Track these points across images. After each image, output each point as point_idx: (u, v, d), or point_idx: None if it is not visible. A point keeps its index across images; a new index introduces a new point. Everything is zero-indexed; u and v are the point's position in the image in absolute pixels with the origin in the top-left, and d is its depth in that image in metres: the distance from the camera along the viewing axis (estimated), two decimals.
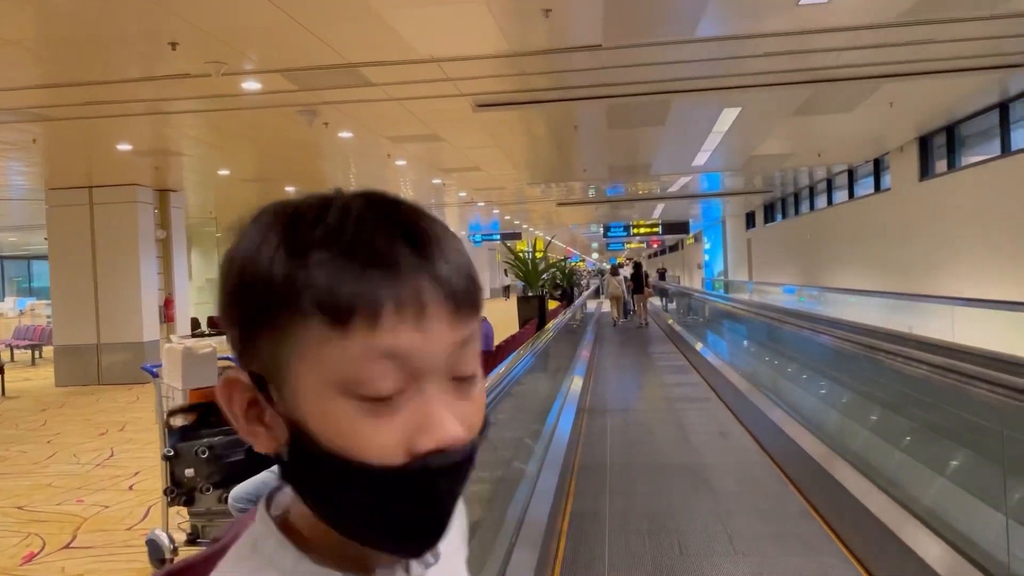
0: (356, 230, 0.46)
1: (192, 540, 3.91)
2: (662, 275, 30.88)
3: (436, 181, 13.47)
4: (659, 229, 25.87)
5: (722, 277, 27.31)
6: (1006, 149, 9.12)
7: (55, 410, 9.99)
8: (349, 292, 0.45)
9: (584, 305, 18.70)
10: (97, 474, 6.45)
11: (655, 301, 23.63)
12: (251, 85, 6.61)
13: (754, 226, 23.42)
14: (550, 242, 19.90)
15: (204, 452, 3.76)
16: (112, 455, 7.12)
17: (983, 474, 3.96)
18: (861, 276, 13.59)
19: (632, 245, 37.58)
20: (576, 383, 8.79)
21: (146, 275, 12.28)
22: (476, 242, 26.97)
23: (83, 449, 7.43)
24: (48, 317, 15.77)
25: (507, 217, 23.21)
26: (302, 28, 5.27)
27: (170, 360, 3.89)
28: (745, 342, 11.22)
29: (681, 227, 26.45)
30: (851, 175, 14.62)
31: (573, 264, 28.41)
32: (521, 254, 14.16)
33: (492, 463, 4.11)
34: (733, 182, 17.02)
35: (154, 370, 4.02)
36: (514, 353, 5.74)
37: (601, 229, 27.28)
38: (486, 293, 17.03)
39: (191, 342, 3.94)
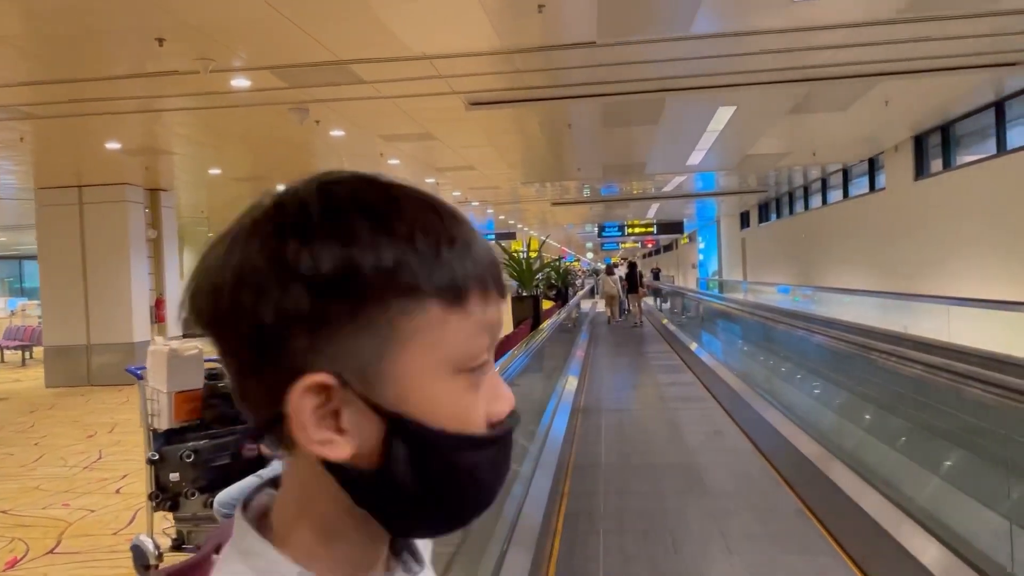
0: (436, 214, 0.48)
1: (177, 546, 3.83)
2: (656, 275, 30.86)
3: (430, 180, 13.39)
4: (654, 229, 25.90)
5: (716, 277, 27.31)
6: (1002, 148, 9.09)
7: (44, 412, 9.88)
8: (463, 273, 0.47)
9: (579, 305, 18.66)
10: (84, 477, 6.36)
11: (649, 301, 23.63)
12: (240, 82, 6.52)
13: (748, 226, 23.41)
14: (544, 242, 19.82)
15: (189, 456, 3.68)
16: (100, 457, 7.03)
17: (979, 474, 3.95)
18: (856, 276, 13.57)
19: (627, 245, 37.53)
20: (571, 383, 8.76)
21: (137, 275, 12.18)
22: None
23: (71, 451, 7.33)
24: (39, 318, 15.63)
25: (502, 217, 23.14)
26: (291, 24, 5.19)
27: (155, 362, 3.81)
28: (739, 342, 11.22)
29: (676, 227, 26.47)
30: (846, 175, 14.60)
31: (568, 264, 28.36)
32: (515, 254, 14.10)
33: None
34: (727, 182, 16.99)
35: (138, 372, 3.93)
36: (508, 353, 5.70)
37: (596, 229, 27.26)
38: None
39: (177, 343, 3.86)
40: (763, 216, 21.66)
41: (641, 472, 5.74)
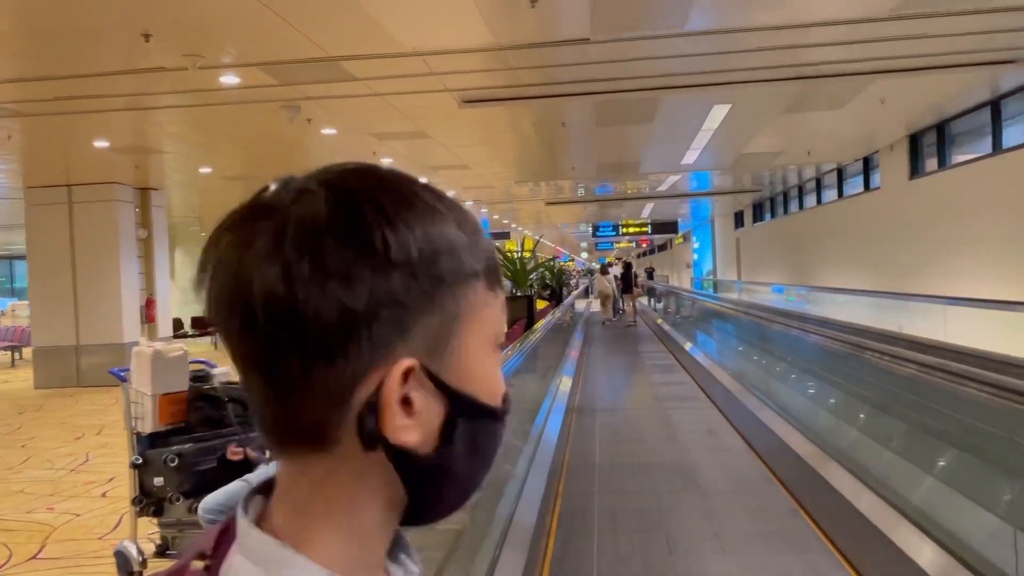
0: (458, 206, 0.51)
1: (162, 552, 3.75)
2: (650, 274, 30.87)
3: (423, 180, 13.24)
4: (648, 228, 25.87)
5: (711, 276, 27.31)
6: (997, 147, 9.04)
7: (32, 413, 9.78)
8: (492, 256, 0.51)
9: (573, 305, 18.64)
10: (70, 480, 6.27)
11: (644, 300, 23.63)
12: (229, 79, 6.43)
13: (742, 225, 23.39)
14: (539, 241, 19.77)
15: (173, 460, 3.60)
16: (87, 460, 6.93)
17: (973, 474, 3.95)
18: (850, 275, 13.53)
19: (621, 245, 37.52)
20: (565, 383, 8.72)
21: (127, 275, 12.07)
22: None
23: (58, 454, 7.24)
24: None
25: (496, 216, 23.08)
26: (280, 19, 5.10)
27: (139, 364, 3.72)
28: (733, 341, 11.20)
29: (670, 227, 26.46)
30: (840, 174, 14.56)
31: (562, 264, 28.31)
32: (510, 253, 14.03)
33: None
34: (722, 181, 16.95)
35: (122, 374, 3.85)
36: (502, 353, 5.63)
37: (590, 228, 27.23)
38: None
39: (161, 345, 3.77)
40: (757, 216, 21.64)
41: (635, 472, 5.75)
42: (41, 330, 12.19)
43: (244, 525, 0.48)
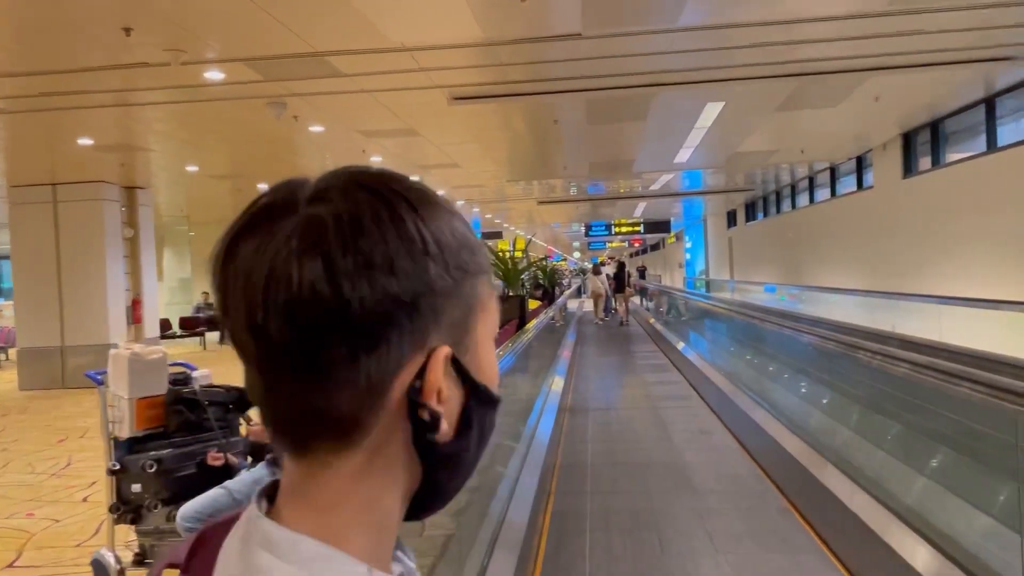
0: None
1: (140, 561, 3.62)
2: (642, 273, 30.82)
3: (414, 178, 13.05)
4: (640, 228, 25.82)
5: (703, 276, 27.29)
6: (992, 146, 8.99)
7: (15, 415, 9.61)
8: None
9: (565, 305, 18.58)
10: (51, 485, 6.13)
11: (636, 300, 23.62)
12: (214, 75, 6.29)
13: (735, 225, 23.35)
14: (530, 240, 19.70)
15: (152, 466, 3.47)
16: (69, 464, 6.79)
17: (966, 473, 3.98)
18: (844, 275, 13.49)
19: (614, 244, 37.42)
20: (557, 383, 8.68)
21: (112, 275, 11.91)
22: None
23: (40, 457, 7.10)
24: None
25: (488, 216, 22.96)
26: (264, 13, 4.98)
27: (116, 367, 3.59)
28: (725, 340, 11.18)
29: (662, 226, 26.45)
30: (833, 173, 14.51)
31: (555, 264, 28.23)
32: (502, 253, 13.93)
33: None
34: (715, 180, 16.89)
35: (98, 377, 3.72)
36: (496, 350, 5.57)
37: (583, 228, 27.16)
38: None
39: (140, 347, 3.64)
40: (750, 215, 21.60)
41: (628, 471, 5.76)
42: (26, 331, 12.02)
43: (268, 525, 0.47)
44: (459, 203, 17.73)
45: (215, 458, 3.51)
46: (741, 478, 5.43)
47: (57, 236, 11.80)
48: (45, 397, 10.93)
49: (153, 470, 3.48)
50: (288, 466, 0.49)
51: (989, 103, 8.96)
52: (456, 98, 7.40)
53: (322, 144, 9.88)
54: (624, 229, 25.88)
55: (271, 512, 0.49)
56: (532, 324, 10.32)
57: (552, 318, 12.91)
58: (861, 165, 13.08)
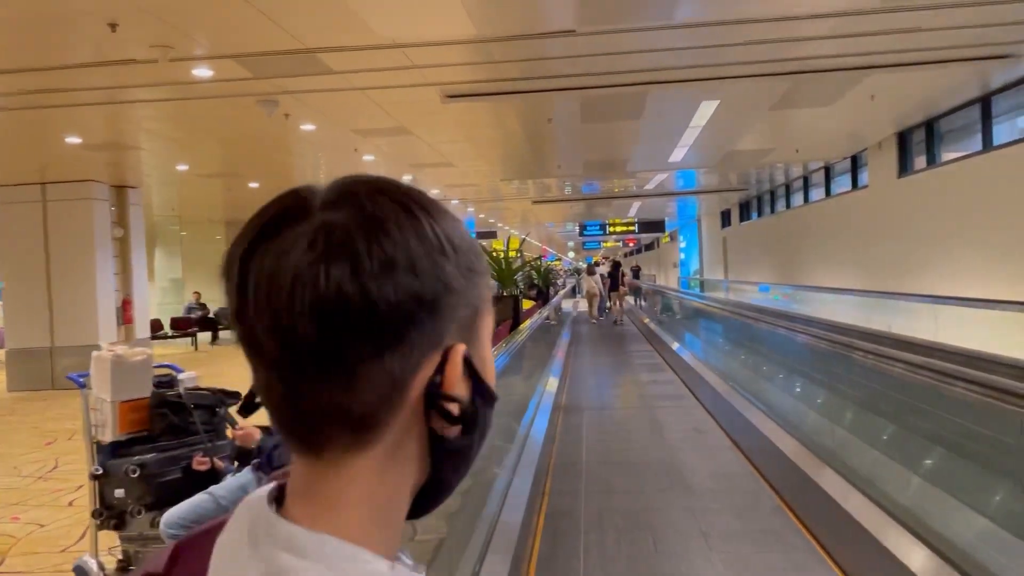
0: None
1: (124, 568, 3.54)
2: (636, 273, 30.82)
3: (407, 177, 13.09)
4: (635, 228, 25.80)
5: (697, 276, 27.27)
6: (988, 145, 8.95)
7: (3, 417, 9.52)
8: None
9: (560, 305, 18.54)
10: (38, 488, 6.04)
11: (630, 300, 23.61)
12: (202, 72, 6.20)
13: (729, 224, 23.33)
14: (524, 240, 19.66)
15: (135, 471, 3.39)
16: (56, 467, 6.70)
17: (959, 473, 4.01)
18: (839, 274, 13.45)
19: (608, 244, 37.40)
20: (552, 384, 8.64)
21: (102, 275, 11.80)
22: None
23: (26, 460, 7.00)
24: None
25: (482, 216, 22.89)
26: (252, 8, 4.89)
27: (98, 369, 3.51)
28: (719, 340, 11.15)
29: (657, 226, 26.43)
30: (828, 172, 14.47)
31: (549, 263, 28.16)
32: (495, 253, 13.86)
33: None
34: (709, 180, 16.85)
35: (80, 380, 3.64)
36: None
37: (577, 228, 27.12)
38: None
39: (123, 348, 3.56)
40: (744, 215, 21.57)
41: (622, 470, 5.75)
42: (15, 332, 11.90)
43: (290, 526, 0.47)
44: (453, 202, 17.68)
45: (200, 462, 3.43)
46: (735, 477, 5.44)
47: (46, 236, 11.70)
48: (33, 399, 10.82)
49: (136, 475, 3.41)
50: (298, 468, 0.50)
51: (985, 102, 8.92)
52: (449, 96, 7.32)
53: (314, 143, 9.79)
54: (619, 229, 25.86)
55: (281, 514, 0.49)
56: (526, 324, 10.25)
57: (547, 318, 12.84)
58: (856, 164, 13.05)
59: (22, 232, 11.69)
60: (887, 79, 7.72)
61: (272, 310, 0.46)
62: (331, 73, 6.42)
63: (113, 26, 5.03)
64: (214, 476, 3.40)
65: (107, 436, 3.49)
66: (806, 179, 15.83)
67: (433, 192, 15.89)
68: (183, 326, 17.23)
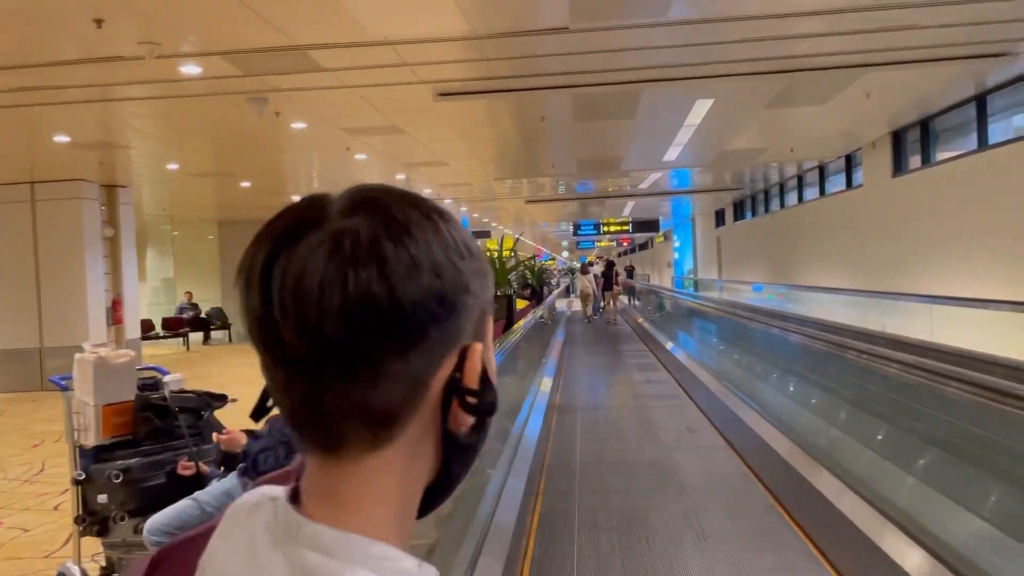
0: None
1: (107, 574, 3.46)
2: (630, 273, 30.81)
3: (400, 177, 13.02)
4: (629, 227, 25.77)
5: (691, 275, 27.25)
6: (983, 144, 8.92)
7: None
8: None
9: (554, 304, 18.50)
10: (23, 491, 5.96)
11: (624, 299, 23.59)
12: (190, 69, 6.11)
13: (724, 224, 23.31)
14: (518, 239, 19.60)
15: (118, 476, 3.32)
16: (43, 470, 6.61)
17: (953, 473, 3.99)
18: (833, 274, 13.43)
19: (602, 243, 37.36)
20: (546, 384, 8.59)
21: (92, 275, 11.69)
22: None
23: (13, 463, 6.91)
24: None
25: (475, 215, 22.82)
26: (239, 3, 4.81)
27: (81, 371, 3.43)
28: (713, 339, 11.12)
29: (651, 225, 26.40)
30: (822, 172, 14.45)
31: (543, 263, 28.12)
32: (489, 252, 13.81)
33: None
34: (703, 179, 16.81)
35: (63, 382, 3.56)
36: None
37: (571, 227, 27.07)
38: None
39: (106, 351, 3.48)
40: (738, 214, 21.55)
41: (616, 470, 5.75)
42: (3, 332, 11.77)
43: (316, 526, 0.48)
44: (447, 201, 17.60)
45: (186, 467, 3.36)
46: (728, 476, 5.43)
47: (35, 236, 11.60)
48: (22, 400, 10.71)
49: (120, 480, 3.33)
50: (315, 469, 0.51)
51: (980, 100, 8.89)
52: (441, 94, 7.25)
53: (305, 141, 9.71)
54: (613, 228, 25.82)
55: (299, 514, 0.50)
56: (520, 324, 10.20)
57: (540, 318, 12.79)
58: (850, 164, 13.02)
59: (11, 232, 11.58)
60: (882, 77, 7.69)
61: (300, 312, 0.47)
62: (322, 71, 6.34)
63: (98, 22, 4.94)
64: (199, 481, 3.33)
65: (90, 440, 3.41)
66: (800, 178, 15.80)
67: (426, 191, 15.84)
68: (175, 326, 17.11)
